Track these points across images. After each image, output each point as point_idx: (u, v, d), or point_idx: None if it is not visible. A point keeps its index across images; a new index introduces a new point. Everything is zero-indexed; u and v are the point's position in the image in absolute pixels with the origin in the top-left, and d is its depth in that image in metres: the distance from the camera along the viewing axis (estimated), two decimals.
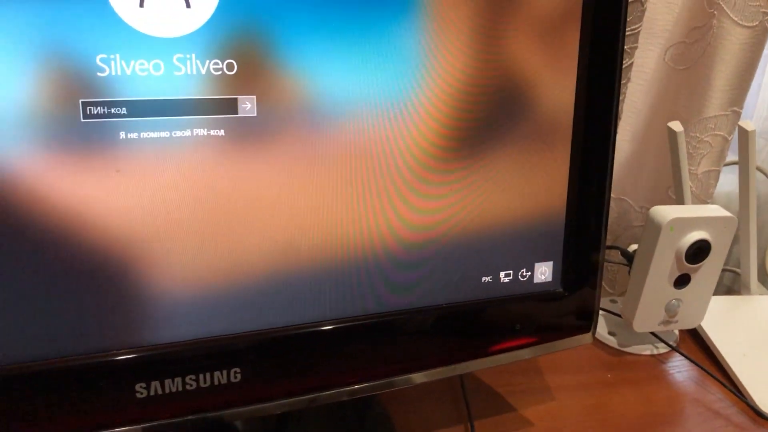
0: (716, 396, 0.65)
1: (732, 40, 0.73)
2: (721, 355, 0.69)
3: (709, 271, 0.66)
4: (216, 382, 0.41)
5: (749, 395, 0.63)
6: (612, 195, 0.86)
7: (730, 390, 0.65)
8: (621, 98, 0.77)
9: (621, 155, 0.85)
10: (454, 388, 0.63)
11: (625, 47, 0.72)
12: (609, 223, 0.85)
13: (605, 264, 0.81)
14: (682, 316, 0.68)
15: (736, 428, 0.61)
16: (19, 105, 0.34)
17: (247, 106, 0.39)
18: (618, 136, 0.82)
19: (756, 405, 0.62)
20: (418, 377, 0.49)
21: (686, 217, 0.63)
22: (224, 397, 0.42)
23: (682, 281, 0.66)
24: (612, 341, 0.71)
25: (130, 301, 0.39)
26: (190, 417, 0.41)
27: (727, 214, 0.65)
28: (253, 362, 0.42)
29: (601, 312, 0.76)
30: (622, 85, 0.75)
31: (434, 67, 0.42)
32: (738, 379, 0.66)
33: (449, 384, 0.64)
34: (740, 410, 0.63)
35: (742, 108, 0.77)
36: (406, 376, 0.49)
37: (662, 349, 0.71)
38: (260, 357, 0.43)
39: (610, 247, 0.77)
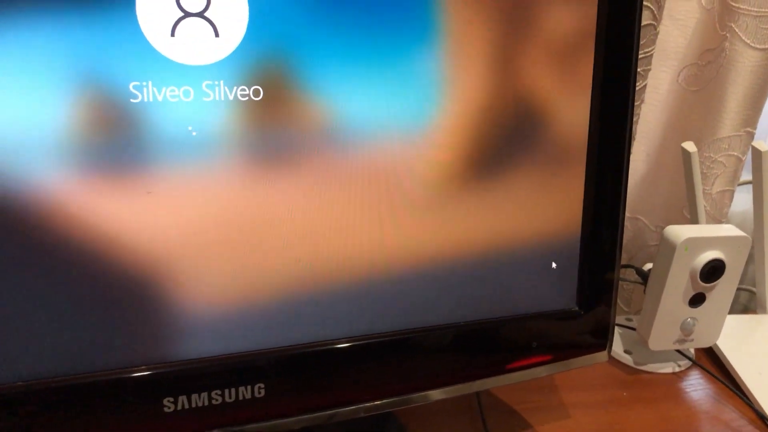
0: (734, 414, 0.65)
1: (744, 62, 0.73)
2: (737, 373, 0.69)
3: (723, 290, 0.67)
4: (241, 397, 0.43)
5: (766, 414, 0.64)
6: (627, 214, 0.87)
7: (752, 407, 0.65)
8: (635, 119, 0.78)
9: (636, 175, 0.86)
10: (471, 404, 0.64)
11: (639, 69, 0.73)
12: (624, 242, 0.86)
13: (620, 283, 0.82)
14: (698, 335, 0.69)
15: None
16: (55, 130, 0.36)
17: (273, 130, 0.40)
18: (633, 157, 0.83)
19: None
20: (436, 394, 0.50)
21: (700, 237, 0.64)
22: (248, 412, 0.43)
23: (697, 300, 0.67)
24: (628, 359, 0.72)
25: (159, 317, 0.41)
26: (215, 431, 0.42)
27: (741, 233, 0.65)
28: (277, 378, 0.44)
29: (616, 330, 0.76)
30: (636, 107, 0.76)
31: (453, 92, 0.44)
32: (754, 398, 0.66)
33: (466, 400, 0.64)
34: (758, 428, 0.63)
35: (755, 128, 0.78)
36: (424, 393, 0.49)
37: (683, 366, 0.72)
38: (284, 373, 0.44)
39: (626, 266, 0.77)
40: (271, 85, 0.40)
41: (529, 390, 0.66)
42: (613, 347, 0.73)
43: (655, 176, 0.85)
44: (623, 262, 0.85)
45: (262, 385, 0.43)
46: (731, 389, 0.68)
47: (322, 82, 0.41)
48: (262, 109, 0.40)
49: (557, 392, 0.67)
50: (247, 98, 0.39)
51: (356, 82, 0.41)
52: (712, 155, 0.80)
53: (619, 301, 0.88)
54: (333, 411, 0.46)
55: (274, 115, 0.40)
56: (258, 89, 0.39)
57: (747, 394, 0.67)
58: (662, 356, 0.72)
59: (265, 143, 0.40)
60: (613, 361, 0.72)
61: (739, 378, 0.69)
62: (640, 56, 0.72)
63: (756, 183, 0.75)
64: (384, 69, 0.42)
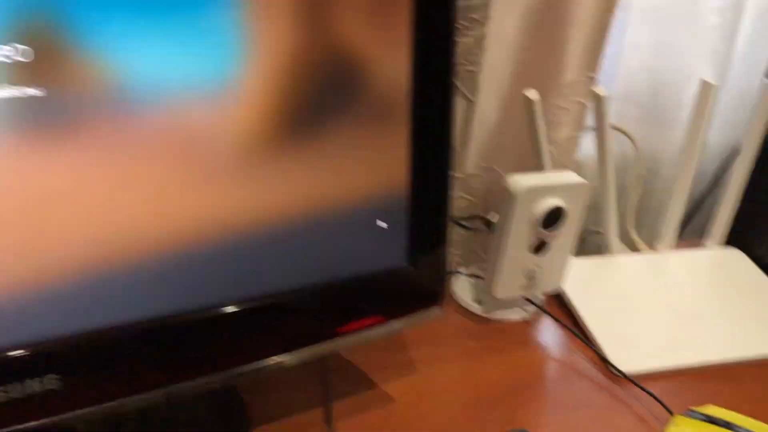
0: (579, 357, 0.67)
1: (583, 5, 0.74)
2: (580, 316, 0.71)
3: (565, 236, 0.68)
4: (30, 391, 0.39)
5: (606, 354, 0.66)
6: (482, 164, 0.87)
7: (593, 350, 0.68)
8: (479, 69, 0.77)
9: (488, 125, 0.85)
10: (316, 369, 0.62)
11: (476, 17, 0.72)
12: (480, 192, 0.86)
13: (473, 233, 0.82)
14: (542, 281, 0.70)
15: (599, 388, 0.64)
16: None
17: (49, 95, 0.36)
18: (483, 106, 0.83)
19: (613, 363, 0.65)
20: (271, 364, 0.48)
21: (540, 186, 0.65)
22: (46, 405, 0.40)
23: (539, 248, 0.68)
24: (477, 309, 0.73)
25: None
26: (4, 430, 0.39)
27: (579, 180, 0.66)
28: (73, 366, 0.40)
29: (468, 280, 0.77)
30: (478, 56, 0.76)
31: (258, 46, 0.41)
32: (595, 340, 0.68)
33: (312, 366, 0.63)
34: (600, 370, 0.66)
35: (596, 73, 0.79)
36: (256, 365, 0.48)
37: (531, 312, 0.73)
38: (83, 360, 0.41)
39: (473, 217, 0.78)
40: (44, 44, 0.35)
41: (377, 348, 0.65)
42: (464, 297, 0.74)
43: (507, 125, 0.85)
44: (478, 213, 0.86)
45: (56, 376, 0.40)
46: (574, 333, 0.70)
47: (103, 38, 0.36)
48: (35, 71, 0.35)
49: (406, 348, 0.66)
50: (14, 61, 0.35)
51: (143, 36, 0.37)
52: (558, 102, 0.81)
53: (476, 250, 0.89)
54: (157, 391, 0.44)
55: (50, 78, 0.36)
56: (28, 50, 0.35)
57: (588, 336, 0.69)
58: (511, 304, 0.73)
59: (42, 110, 0.36)
60: (464, 312, 0.73)
61: (582, 321, 0.71)
62: (477, 3, 0.71)
63: (598, 128, 0.77)
64: (176, 21, 0.38)
